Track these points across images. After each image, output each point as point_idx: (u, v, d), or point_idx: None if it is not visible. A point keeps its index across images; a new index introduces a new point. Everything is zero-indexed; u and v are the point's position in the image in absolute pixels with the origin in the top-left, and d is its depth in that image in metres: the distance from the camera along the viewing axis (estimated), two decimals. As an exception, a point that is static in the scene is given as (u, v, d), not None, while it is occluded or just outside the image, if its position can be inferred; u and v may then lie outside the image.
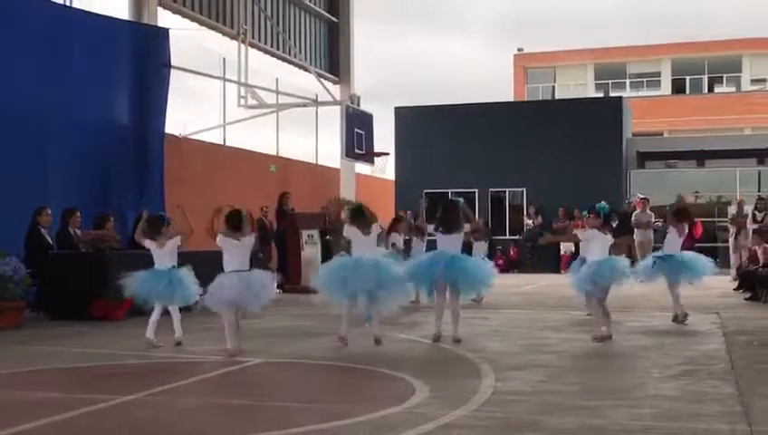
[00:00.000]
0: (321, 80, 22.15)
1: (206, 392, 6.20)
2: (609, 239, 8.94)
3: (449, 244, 8.62)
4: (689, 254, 10.62)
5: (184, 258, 8.72)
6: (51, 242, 11.60)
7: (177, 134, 17.58)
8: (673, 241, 10.51)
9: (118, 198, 14.67)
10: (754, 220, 17.37)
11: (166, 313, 8.49)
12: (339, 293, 8.20)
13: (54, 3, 14.09)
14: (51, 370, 7.20)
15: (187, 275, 8.42)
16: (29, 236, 11.41)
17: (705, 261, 10.45)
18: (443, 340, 8.50)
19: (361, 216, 8.50)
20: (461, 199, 9.17)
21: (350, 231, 8.47)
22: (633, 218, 19.25)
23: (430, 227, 8.96)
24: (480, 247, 12.99)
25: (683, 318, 10.11)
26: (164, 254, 8.44)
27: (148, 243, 8.49)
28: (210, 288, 7.67)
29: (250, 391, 6.29)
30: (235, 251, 7.67)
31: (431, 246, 9.35)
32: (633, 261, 11.12)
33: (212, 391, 6.25)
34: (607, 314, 8.70)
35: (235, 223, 7.73)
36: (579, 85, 41.91)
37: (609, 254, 8.96)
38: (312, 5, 24.08)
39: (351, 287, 8.09)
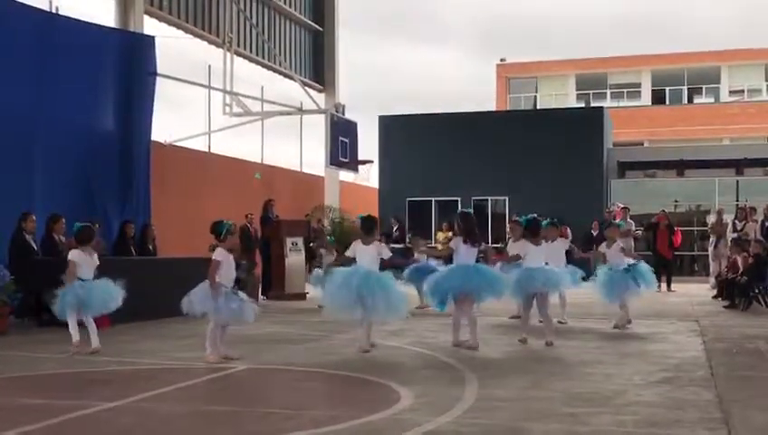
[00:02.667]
0: (306, 88, 22.22)
1: (191, 399, 6.21)
2: (542, 248, 9.39)
3: (468, 255, 8.68)
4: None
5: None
6: (35, 248, 11.58)
7: (163, 141, 17.58)
8: (616, 255, 10.66)
9: (103, 205, 14.65)
10: (734, 229, 17.58)
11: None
12: (345, 308, 8.20)
13: (41, 10, 14.08)
14: (35, 376, 7.19)
15: (105, 285, 8.45)
16: (13, 242, 11.39)
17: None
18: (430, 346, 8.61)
19: (372, 226, 8.59)
20: (470, 211, 9.46)
21: (355, 243, 8.55)
22: (614, 227, 19.42)
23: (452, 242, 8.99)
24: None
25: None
26: (90, 264, 8.48)
27: (75, 253, 8.43)
28: None
29: (235, 397, 6.31)
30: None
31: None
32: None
33: (197, 398, 6.26)
34: (526, 319, 9.33)
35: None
36: (560, 95, 42.20)
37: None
38: (298, 15, 24.16)
39: (350, 300, 8.06)
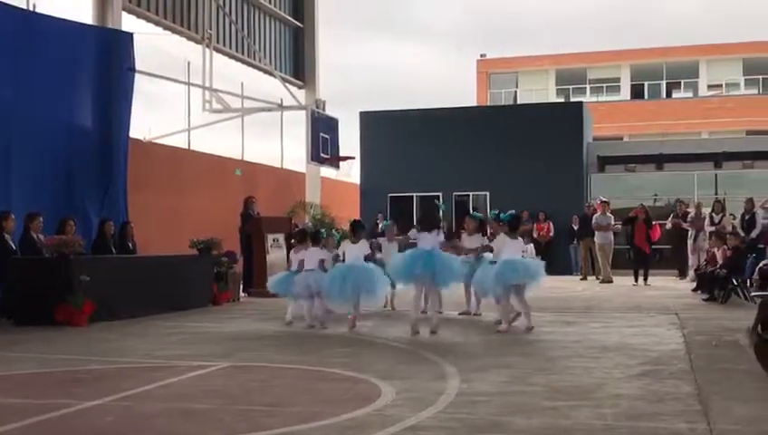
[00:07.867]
0: (287, 84, 22.17)
1: (171, 397, 6.18)
2: (519, 243, 9.81)
3: (427, 242, 9.36)
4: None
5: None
6: (14, 247, 11.48)
7: (142, 138, 17.47)
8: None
9: (82, 203, 14.55)
10: (712, 223, 17.72)
11: None
12: (344, 298, 9.75)
13: (18, 7, 13.95)
14: (14, 375, 7.12)
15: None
16: (-8, 241, 11.29)
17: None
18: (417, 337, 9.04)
19: (360, 228, 10.27)
20: (441, 203, 10.13)
21: (344, 243, 10.32)
22: (594, 221, 19.54)
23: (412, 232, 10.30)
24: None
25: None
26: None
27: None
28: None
29: (215, 395, 6.27)
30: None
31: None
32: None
33: (177, 396, 6.23)
34: (510, 310, 9.75)
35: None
36: (540, 90, 42.35)
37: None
38: (277, 10, 24.07)
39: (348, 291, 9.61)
